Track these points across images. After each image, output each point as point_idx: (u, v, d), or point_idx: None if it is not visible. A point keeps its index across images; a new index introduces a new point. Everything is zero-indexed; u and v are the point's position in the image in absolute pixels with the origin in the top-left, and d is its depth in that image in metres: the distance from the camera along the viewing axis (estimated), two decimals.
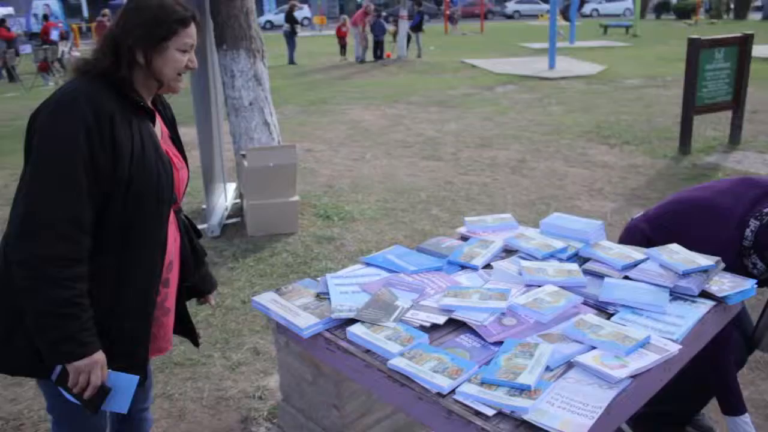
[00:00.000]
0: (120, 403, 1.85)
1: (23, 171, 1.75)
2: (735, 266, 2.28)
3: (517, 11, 45.21)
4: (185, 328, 2.21)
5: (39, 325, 1.68)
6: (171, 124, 2.05)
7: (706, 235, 2.35)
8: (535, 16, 41.05)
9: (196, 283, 2.24)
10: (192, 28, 1.86)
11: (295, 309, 2.09)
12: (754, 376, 3.28)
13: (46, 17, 23.57)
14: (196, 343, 2.26)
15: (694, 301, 2.04)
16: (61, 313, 1.66)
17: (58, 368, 1.75)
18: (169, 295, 2.03)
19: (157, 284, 1.93)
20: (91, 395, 1.77)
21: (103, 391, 1.79)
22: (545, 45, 18.28)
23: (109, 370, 1.80)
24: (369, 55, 20.55)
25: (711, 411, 2.95)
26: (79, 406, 1.81)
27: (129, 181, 1.76)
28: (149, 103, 1.91)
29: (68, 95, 1.72)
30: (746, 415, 2.35)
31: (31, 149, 1.72)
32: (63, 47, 20.61)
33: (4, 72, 18.78)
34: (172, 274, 2.02)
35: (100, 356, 1.75)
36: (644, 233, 2.61)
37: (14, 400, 3.28)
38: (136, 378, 1.86)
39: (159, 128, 1.96)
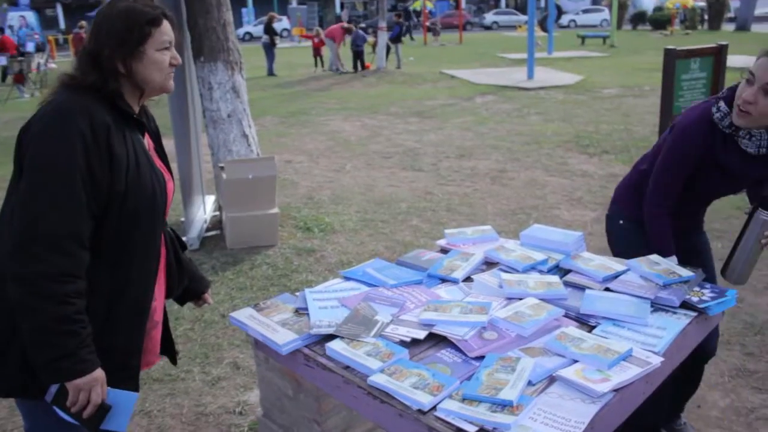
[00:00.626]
0: (119, 421, 1.81)
1: (11, 183, 1.72)
2: (703, 120, 2.34)
3: (496, 22, 45.56)
4: (165, 345, 2.17)
5: (37, 342, 1.64)
6: (156, 135, 2.02)
7: (687, 113, 2.48)
8: (513, 27, 41.37)
9: (190, 285, 2.23)
10: (165, 25, 1.82)
11: (273, 325, 2.06)
12: (735, 384, 3.29)
13: (1, 30, 22.79)
14: (174, 361, 2.22)
15: (675, 313, 2.04)
16: (61, 330, 1.62)
17: (54, 387, 1.70)
18: (157, 308, 2.01)
19: (150, 297, 1.92)
20: (91, 414, 1.73)
21: (103, 410, 1.75)
22: (524, 55, 18.42)
23: (108, 388, 1.76)
24: (347, 66, 20.53)
25: (692, 420, 2.95)
26: (61, 427, 1.76)
27: (125, 195, 1.74)
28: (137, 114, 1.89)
29: (62, 107, 1.68)
30: (674, 257, 2.38)
31: (22, 163, 1.68)
32: (39, 59, 20.41)
33: None
34: (158, 287, 2.00)
35: (100, 373, 1.71)
36: (637, 168, 2.71)
37: None
38: (135, 395, 1.84)
39: (146, 140, 1.94)
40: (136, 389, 1.90)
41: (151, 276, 1.90)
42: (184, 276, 2.18)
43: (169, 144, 6.72)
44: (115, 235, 1.76)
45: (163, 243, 2.00)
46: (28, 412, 1.85)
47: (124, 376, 1.85)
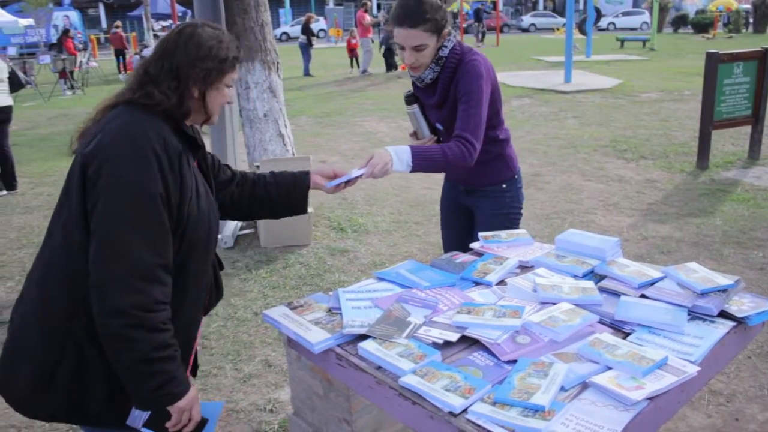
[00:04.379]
0: (210, 430, 1.86)
1: (63, 204, 1.68)
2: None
3: (533, 24, 45.24)
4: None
5: (139, 373, 1.64)
6: (203, 152, 2.02)
7: None
8: (551, 30, 41.05)
9: (294, 202, 2.29)
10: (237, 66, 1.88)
11: (306, 324, 2.07)
12: None
13: (66, 31, 23.10)
14: (194, 373, 2.17)
15: (712, 322, 2.00)
16: (161, 357, 1.64)
17: (143, 414, 1.70)
18: (198, 330, 2.02)
19: (198, 324, 1.93)
20: (191, 430, 1.76)
21: (202, 424, 1.78)
22: (561, 58, 18.23)
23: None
24: (372, 68, 20.37)
25: None
26: None
27: (186, 222, 1.74)
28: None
29: (134, 128, 1.67)
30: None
31: (87, 190, 1.63)
32: (81, 58, 20.86)
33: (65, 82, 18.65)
34: None
35: (195, 390, 1.75)
36: None
37: None
38: (221, 404, 1.90)
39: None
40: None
41: (200, 303, 1.91)
42: (221, 293, 2.12)
43: (205, 143, 6.77)
44: (172, 264, 1.74)
45: None
46: None
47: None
